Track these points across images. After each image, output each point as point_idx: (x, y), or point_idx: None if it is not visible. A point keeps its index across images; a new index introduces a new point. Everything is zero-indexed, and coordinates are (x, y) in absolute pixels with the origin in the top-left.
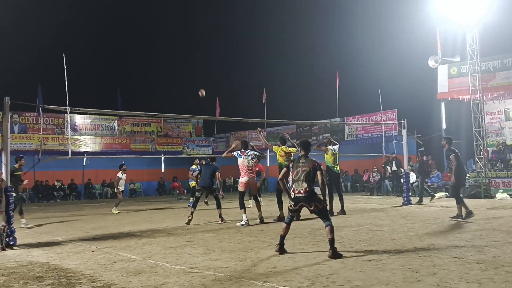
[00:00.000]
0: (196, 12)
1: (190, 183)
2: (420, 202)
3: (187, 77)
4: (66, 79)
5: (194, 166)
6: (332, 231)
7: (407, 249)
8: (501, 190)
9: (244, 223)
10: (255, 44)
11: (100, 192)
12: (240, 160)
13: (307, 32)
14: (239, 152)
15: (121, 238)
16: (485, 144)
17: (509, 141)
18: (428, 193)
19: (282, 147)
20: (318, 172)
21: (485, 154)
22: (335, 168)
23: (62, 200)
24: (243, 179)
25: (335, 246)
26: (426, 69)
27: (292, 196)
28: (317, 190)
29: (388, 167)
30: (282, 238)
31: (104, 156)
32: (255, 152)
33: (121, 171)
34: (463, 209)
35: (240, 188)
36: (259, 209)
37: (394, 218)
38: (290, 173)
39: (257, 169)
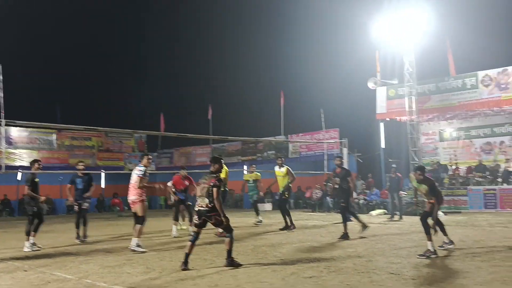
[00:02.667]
0: (142, 27)
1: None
2: (400, 218)
3: (131, 92)
4: (2, 90)
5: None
6: (230, 243)
7: (346, 266)
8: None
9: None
10: (200, 60)
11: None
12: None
13: (253, 51)
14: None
15: (56, 257)
16: (421, 163)
17: (443, 161)
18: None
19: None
20: (214, 189)
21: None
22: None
23: None
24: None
25: (231, 256)
26: (366, 90)
27: (196, 209)
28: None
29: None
30: (187, 255)
31: (40, 172)
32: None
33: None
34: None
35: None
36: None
37: (334, 235)
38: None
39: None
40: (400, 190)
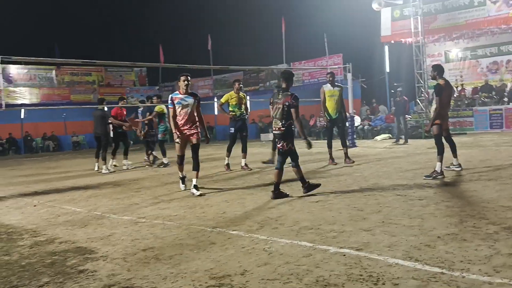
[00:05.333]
0: None
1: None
2: (406, 142)
3: (129, 24)
4: None
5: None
6: (298, 171)
7: (352, 190)
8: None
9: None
10: None
11: (41, 145)
12: None
13: None
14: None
15: (65, 192)
16: (426, 86)
17: None
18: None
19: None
20: (292, 110)
21: (426, 96)
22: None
23: (1, 155)
24: None
25: (306, 180)
26: (370, 12)
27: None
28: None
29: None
30: (277, 185)
31: (42, 108)
32: None
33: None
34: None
35: None
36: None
37: (339, 160)
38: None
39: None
40: (406, 113)
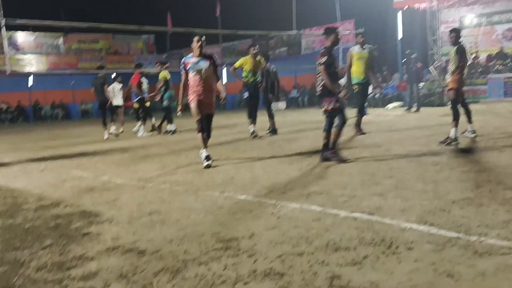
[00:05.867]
0: None
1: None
2: (418, 110)
3: None
4: None
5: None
6: (338, 135)
7: (364, 156)
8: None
9: None
10: None
11: (50, 114)
12: None
13: None
14: None
15: (73, 158)
16: (439, 53)
17: None
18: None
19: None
20: (321, 67)
21: (439, 63)
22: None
23: (10, 123)
24: None
25: (335, 148)
26: None
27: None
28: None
29: (341, 80)
30: (325, 146)
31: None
32: None
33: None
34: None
35: None
36: None
37: (350, 128)
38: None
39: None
40: (419, 81)
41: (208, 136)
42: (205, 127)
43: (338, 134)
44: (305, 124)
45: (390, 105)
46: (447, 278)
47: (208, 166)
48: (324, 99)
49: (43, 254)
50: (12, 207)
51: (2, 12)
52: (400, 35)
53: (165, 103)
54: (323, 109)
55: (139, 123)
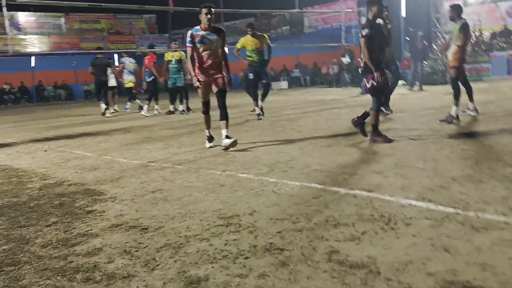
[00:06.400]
0: None
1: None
2: (421, 88)
3: None
4: None
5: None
6: (374, 116)
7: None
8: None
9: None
10: None
11: (52, 94)
12: None
13: None
14: None
15: (75, 138)
16: (443, 31)
17: None
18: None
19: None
20: (361, 40)
21: (443, 41)
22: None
23: (13, 104)
24: None
25: (377, 130)
26: None
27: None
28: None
29: (344, 59)
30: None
31: (53, 53)
32: None
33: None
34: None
35: None
36: None
37: (352, 108)
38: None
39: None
40: (425, 59)
41: (226, 116)
42: (220, 105)
43: (377, 117)
44: (308, 104)
45: None
46: (443, 253)
47: (209, 146)
48: (366, 76)
49: (48, 231)
50: (16, 186)
51: None
52: (403, 13)
53: (183, 82)
54: (368, 87)
55: (146, 102)
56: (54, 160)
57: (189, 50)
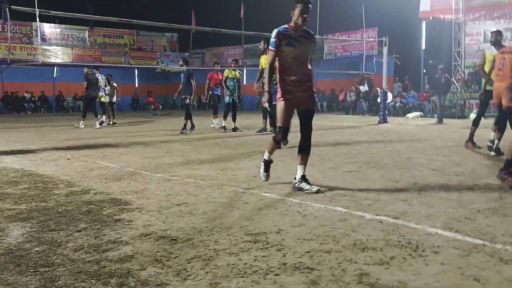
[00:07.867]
0: None
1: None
2: (440, 122)
3: None
4: None
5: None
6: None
7: (385, 162)
8: (475, 111)
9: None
10: None
11: (72, 105)
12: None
13: None
14: None
15: (97, 148)
16: (463, 65)
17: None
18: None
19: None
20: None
21: (462, 75)
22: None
23: (32, 112)
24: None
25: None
26: None
27: None
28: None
29: (361, 87)
30: None
31: (75, 65)
32: None
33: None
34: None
35: None
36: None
37: (371, 135)
38: None
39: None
40: (448, 92)
41: (308, 148)
42: (303, 133)
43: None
44: (324, 129)
45: (410, 115)
46: (473, 282)
47: (266, 178)
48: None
49: (78, 236)
50: (43, 191)
51: (36, 2)
52: (423, 45)
53: (227, 99)
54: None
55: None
56: (78, 168)
57: (272, 55)
